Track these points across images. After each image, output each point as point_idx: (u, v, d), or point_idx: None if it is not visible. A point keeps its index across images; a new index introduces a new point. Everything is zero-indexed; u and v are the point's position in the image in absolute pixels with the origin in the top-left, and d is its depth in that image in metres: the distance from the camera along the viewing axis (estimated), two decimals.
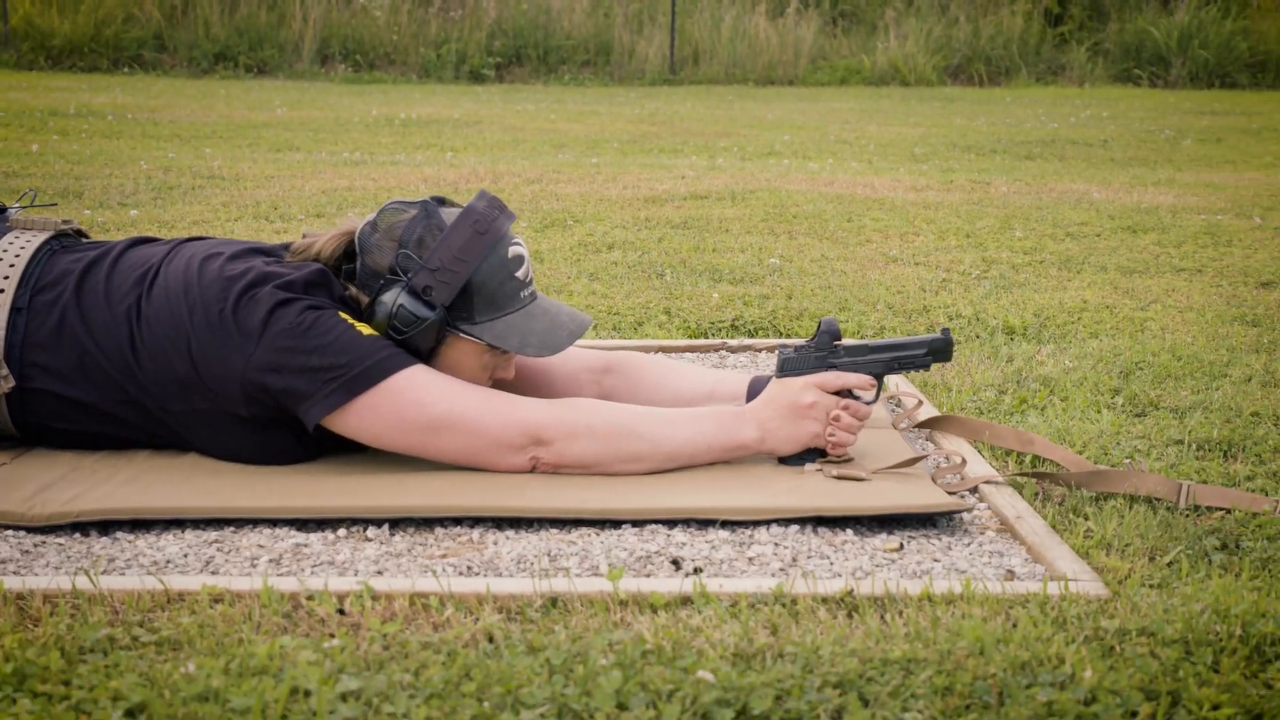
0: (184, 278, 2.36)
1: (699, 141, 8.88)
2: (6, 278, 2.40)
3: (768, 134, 9.44)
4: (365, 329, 2.32)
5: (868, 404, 2.45)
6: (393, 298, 2.33)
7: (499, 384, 2.56)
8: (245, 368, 2.28)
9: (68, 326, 2.36)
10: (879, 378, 2.46)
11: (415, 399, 2.29)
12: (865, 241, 5.10)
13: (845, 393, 2.43)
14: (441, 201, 2.41)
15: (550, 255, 4.69)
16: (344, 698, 1.58)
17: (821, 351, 2.44)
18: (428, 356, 2.38)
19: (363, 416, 2.29)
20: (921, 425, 2.74)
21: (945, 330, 2.49)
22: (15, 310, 2.38)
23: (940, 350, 2.48)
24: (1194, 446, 2.62)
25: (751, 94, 13.52)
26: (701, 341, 3.50)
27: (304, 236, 2.51)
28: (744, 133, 9.54)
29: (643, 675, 1.62)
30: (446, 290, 2.33)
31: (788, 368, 2.43)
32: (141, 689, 1.57)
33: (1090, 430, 2.71)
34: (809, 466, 2.43)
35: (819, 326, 2.45)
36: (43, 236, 2.48)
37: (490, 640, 1.74)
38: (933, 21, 15.26)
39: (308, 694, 1.58)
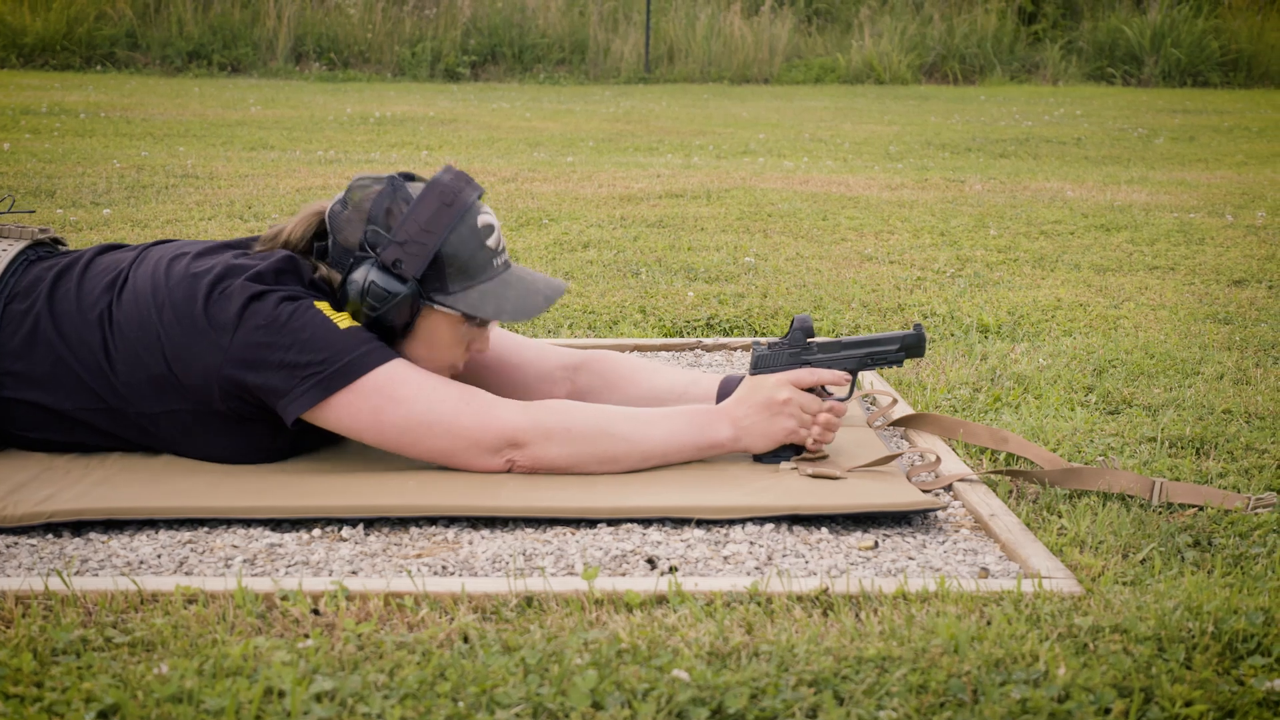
0: (152, 280, 2.35)
1: (674, 140, 8.88)
2: None
3: (743, 132, 9.45)
4: (344, 321, 2.31)
5: (842, 400, 2.46)
6: (363, 274, 2.32)
7: (474, 376, 2.56)
8: (221, 364, 2.27)
9: (41, 335, 2.35)
10: (853, 373, 2.47)
11: (393, 396, 2.28)
12: (840, 240, 5.11)
13: (819, 389, 2.44)
14: (409, 177, 2.41)
15: (526, 254, 4.69)
16: (318, 698, 1.57)
17: (795, 348, 2.44)
18: (403, 331, 2.36)
19: (340, 413, 2.29)
20: (896, 423, 2.74)
21: (918, 326, 2.49)
22: None
23: (913, 346, 2.49)
24: (1166, 444, 2.63)
25: (726, 92, 13.52)
26: (676, 340, 3.50)
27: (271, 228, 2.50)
28: (719, 131, 9.55)
29: (618, 674, 1.62)
30: (416, 262, 2.32)
31: (761, 365, 2.44)
32: (115, 690, 1.57)
33: (1064, 428, 2.72)
34: (784, 465, 2.43)
35: (792, 323, 2.45)
36: (19, 245, 2.47)
37: (465, 640, 1.73)
38: (907, 20, 15.29)
39: (282, 695, 1.58)
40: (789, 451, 2.43)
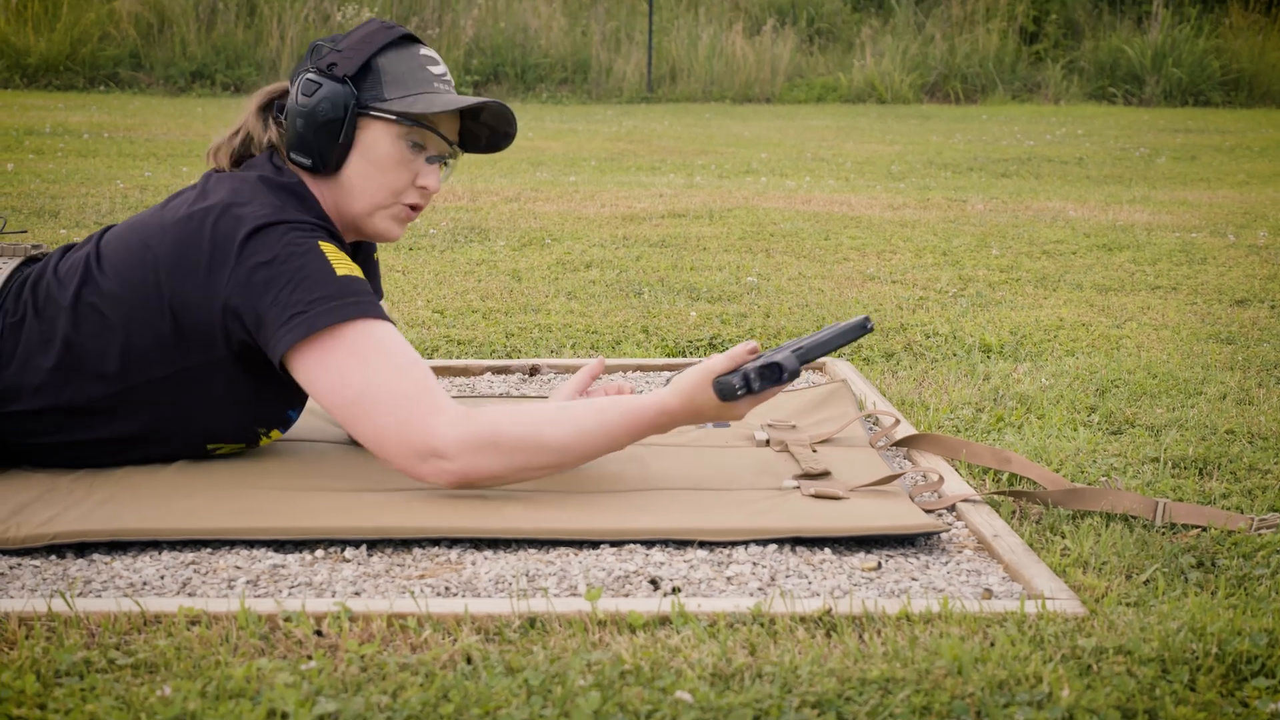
0: (128, 247, 2.36)
1: (676, 159, 8.90)
2: None
3: (745, 152, 9.47)
4: (341, 267, 2.30)
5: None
6: (301, 80, 2.41)
7: None
8: (224, 297, 2.28)
9: (35, 346, 2.35)
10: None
11: (363, 358, 2.25)
12: (842, 260, 5.12)
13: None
14: None
15: (528, 274, 4.69)
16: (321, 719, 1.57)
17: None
18: (343, 145, 2.40)
19: (312, 360, 2.27)
20: (899, 444, 2.74)
21: (866, 319, 2.34)
22: None
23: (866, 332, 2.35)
24: (1170, 464, 2.63)
25: (729, 112, 13.55)
26: (679, 360, 3.50)
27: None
28: (721, 150, 9.56)
29: (621, 696, 1.62)
30: (350, 63, 2.39)
31: (729, 396, 2.27)
32: (118, 712, 1.57)
33: (1067, 448, 2.71)
34: (786, 484, 2.43)
35: (781, 374, 2.26)
36: (13, 264, 2.48)
37: (468, 661, 1.73)
38: (909, 39, 15.32)
39: (285, 716, 1.57)
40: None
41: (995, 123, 12.36)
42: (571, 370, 3.43)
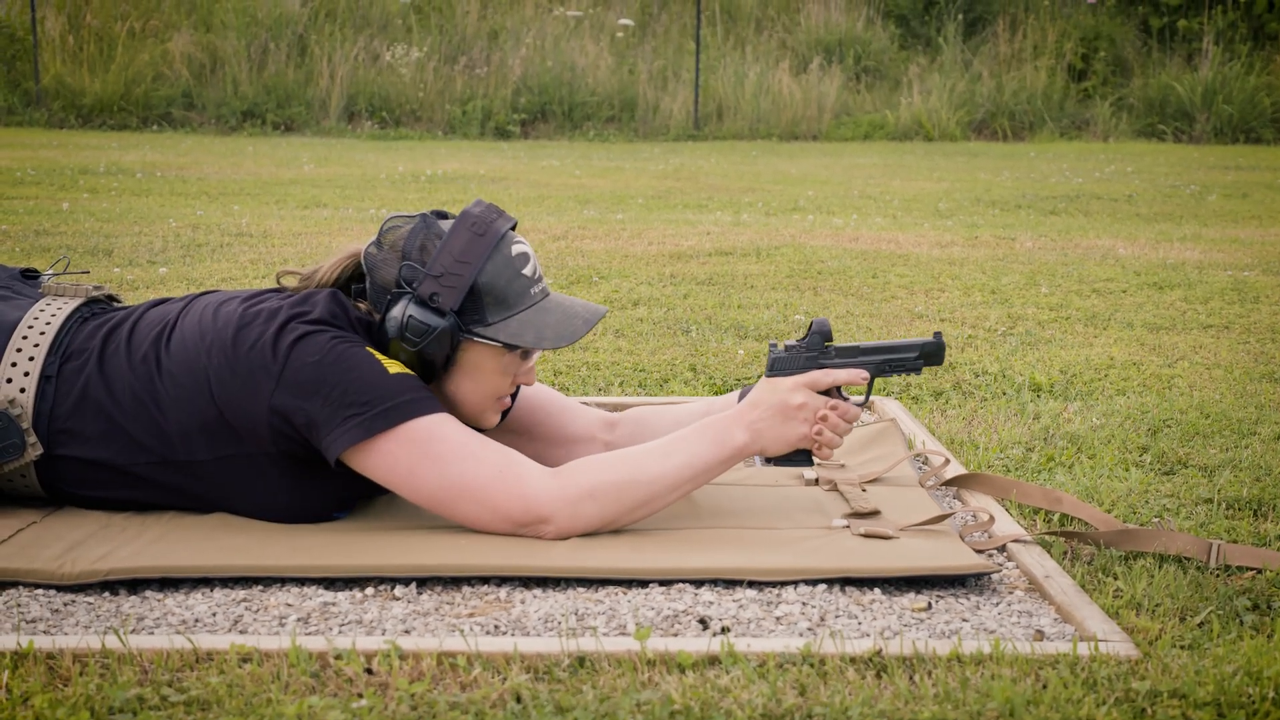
0: (199, 325, 2.38)
1: (723, 197, 8.91)
2: (37, 345, 2.42)
3: (792, 189, 9.47)
4: (393, 366, 2.32)
5: (859, 405, 2.44)
6: (401, 310, 2.34)
7: (518, 434, 2.57)
8: (270, 397, 2.29)
9: (92, 391, 2.38)
10: (870, 377, 2.43)
11: (429, 453, 2.28)
12: (890, 298, 5.10)
13: (834, 390, 2.41)
14: (441, 215, 2.43)
15: None
16: None
17: (812, 352, 2.41)
18: (445, 365, 2.38)
19: (378, 460, 2.29)
20: (949, 483, 2.73)
21: (938, 334, 2.46)
22: (45, 378, 2.39)
23: (932, 353, 2.45)
24: (1223, 505, 2.60)
25: (775, 149, 13.57)
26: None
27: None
28: (768, 188, 9.57)
29: None
30: (453, 294, 2.35)
31: (778, 367, 2.41)
32: None
33: (1119, 488, 2.69)
34: (835, 522, 2.42)
35: (810, 326, 2.42)
36: (74, 304, 2.51)
37: (518, 700, 1.73)
38: (956, 77, 15.31)
39: None
40: (802, 455, 2.41)
41: (1043, 160, 12.32)
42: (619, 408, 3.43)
